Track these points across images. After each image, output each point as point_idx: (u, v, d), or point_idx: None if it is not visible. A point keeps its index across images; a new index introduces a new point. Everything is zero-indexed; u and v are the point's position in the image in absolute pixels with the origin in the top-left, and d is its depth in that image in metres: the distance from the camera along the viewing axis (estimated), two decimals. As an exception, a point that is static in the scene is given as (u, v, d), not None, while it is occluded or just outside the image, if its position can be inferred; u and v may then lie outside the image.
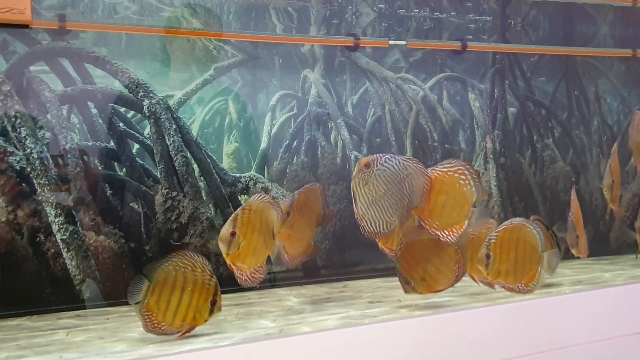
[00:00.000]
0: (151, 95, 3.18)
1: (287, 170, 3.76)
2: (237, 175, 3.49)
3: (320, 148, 3.84)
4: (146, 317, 1.96)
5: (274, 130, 3.89)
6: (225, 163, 3.89)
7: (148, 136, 3.32)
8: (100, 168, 3.27)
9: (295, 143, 3.86)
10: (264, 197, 2.18)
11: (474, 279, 2.61)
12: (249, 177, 3.48)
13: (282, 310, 2.57)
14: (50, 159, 2.87)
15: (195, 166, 3.29)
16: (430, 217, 2.31)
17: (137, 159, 3.35)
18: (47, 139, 2.96)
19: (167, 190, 3.15)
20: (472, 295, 2.73)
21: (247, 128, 4.00)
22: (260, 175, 3.55)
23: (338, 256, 3.65)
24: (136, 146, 3.45)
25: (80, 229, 2.86)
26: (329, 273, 3.55)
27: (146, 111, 3.16)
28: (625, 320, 2.70)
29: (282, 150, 3.82)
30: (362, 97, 4.16)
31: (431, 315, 2.37)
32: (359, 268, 3.65)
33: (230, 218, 2.05)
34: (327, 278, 3.46)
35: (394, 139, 4.00)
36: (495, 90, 4.20)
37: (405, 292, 2.44)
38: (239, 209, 2.11)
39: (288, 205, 2.25)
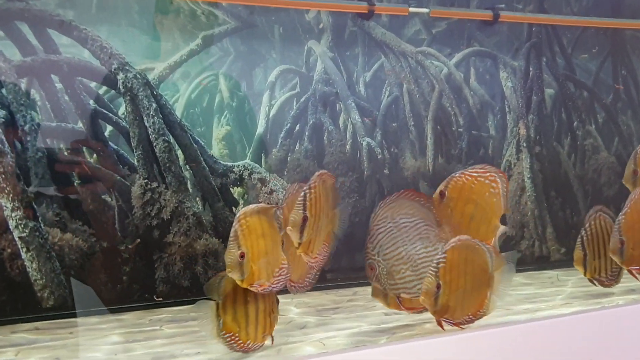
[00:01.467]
0: (127, 68, 3.01)
1: (288, 158, 3.58)
2: (229, 164, 3.32)
3: (327, 133, 3.66)
4: (228, 339, 1.87)
5: (272, 111, 3.73)
6: (215, 149, 3.72)
7: (123, 116, 3.16)
8: (66, 153, 3.09)
9: (297, 127, 3.69)
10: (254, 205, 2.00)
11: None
12: (243, 166, 3.32)
13: (280, 324, 2.31)
14: (5, 142, 2.68)
15: (179, 153, 3.13)
16: (457, 231, 2.13)
17: (110, 143, 3.18)
18: (2, 118, 2.78)
19: (145, 180, 2.98)
20: (507, 306, 2.53)
21: (241, 109, 3.85)
22: (257, 165, 3.38)
23: (347, 258, 3.44)
24: (109, 128, 3.28)
25: (42, 225, 2.71)
26: (336, 278, 3.39)
27: (121, 87, 3.00)
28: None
29: (282, 135, 3.64)
30: (377, 75, 4.01)
31: (461, 332, 2.12)
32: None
33: (230, 238, 1.88)
34: (334, 284, 3.29)
35: (412, 123, 3.84)
36: (531, 69, 4.04)
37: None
38: (234, 223, 1.90)
39: (302, 208, 1.97)
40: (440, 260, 1.99)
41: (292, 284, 2.14)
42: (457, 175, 2.15)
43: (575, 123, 4.22)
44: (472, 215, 2.13)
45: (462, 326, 2.07)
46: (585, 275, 2.58)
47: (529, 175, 3.84)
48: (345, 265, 3.44)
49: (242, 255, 1.84)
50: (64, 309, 2.73)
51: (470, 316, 2.07)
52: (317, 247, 2.05)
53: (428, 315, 2.34)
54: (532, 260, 3.83)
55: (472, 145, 3.93)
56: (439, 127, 3.84)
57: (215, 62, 3.81)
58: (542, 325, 2.22)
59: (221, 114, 3.83)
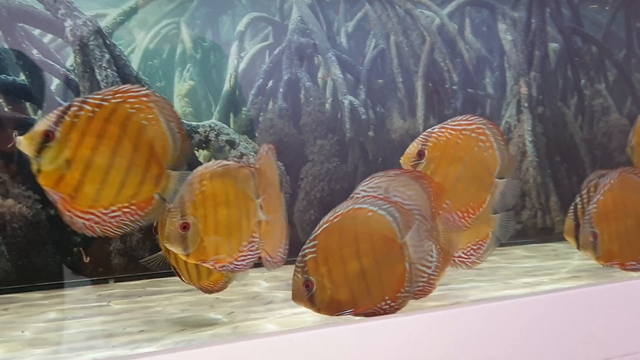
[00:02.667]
0: (76, 13, 2.91)
1: (260, 118, 3.46)
2: (194, 123, 3.22)
3: (304, 90, 3.53)
4: None
5: (242, 65, 3.61)
6: (178, 107, 3.59)
7: (72, 68, 3.06)
8: (6, 109, 2.99)
9: (270, 83, 3.58)
10: (221, 162, 1.73)
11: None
12: (209, 126, 3.21)
13: (244, 299, 2.31)
14: (-64, 96, 2.60)
15: None
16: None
17: (57, 98, 3.08)
18: None
19: None
20: (505, 279, 2.45)
21: (206, 61, 3.71)
22: (224, 125, 3.27)
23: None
24: (56, 81, 3.17)
25: (-21, 190, 2.64)
26: None
27: (69, 35, 2.90)
28: None
29: (253, 92, 3.54)
30: (360, 25, 3.92)
31: (451, 308, 1.96)
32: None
33: (174, 205, 1.64)
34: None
35: (400, 80, 3.72)
36: (533, 20, 3.91)
37: (294, 298, 1.75)
38: (183, 187, 1.65)
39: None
40: (309, 251, 1.66)
41: (269, 258, 1.95)
42: (436, 130, 1.93)
43: (583, 81, 4.11)
44: (459, 176, 1.95)
45: (375, 315, 1.76)
46: (578, 248, 2.37)
47: (530, 139, 3.73)
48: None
49: (184, 227, 1.62)
50: (5, 284, 2.65)
51: (388, 301, 1.75)
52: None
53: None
54: (535, 232, 3.74)
55: (468, 105, 3.83)
56: (430, 84, 3.74)
57: (176, 8, 3.70)
58: (543, 299, 2.07)
59: (183, 67, 3.72)
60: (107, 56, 2.89)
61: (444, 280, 2.26)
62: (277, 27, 3.75)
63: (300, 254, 1.66)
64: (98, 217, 1.57)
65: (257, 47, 3.75)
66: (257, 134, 3.41)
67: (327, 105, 3.55)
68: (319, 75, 3.59)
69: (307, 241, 1.67)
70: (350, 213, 1.69)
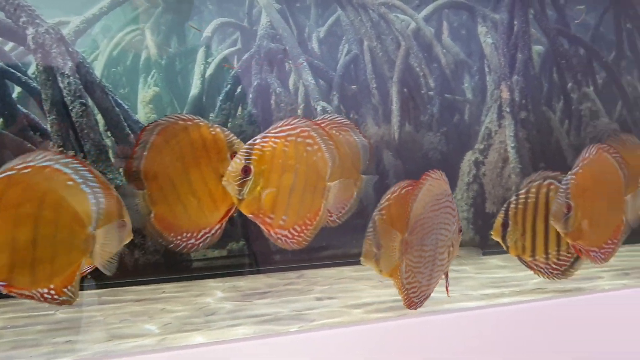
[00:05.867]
0: (37, 21, 2.95)
1: (229, 125, 3.49)
2: None
3: (275, 96, 3.55)
4: None
5: (209, 71, 3.64)
6: (142, 113, 3.63)
7: (34, 76, 3.12)
8: None
9: (239, 89, 3.59)
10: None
11: None
12: None
13: (189, 310, 2.34)
14: None
15: (99, 117, 3.08)
16: (274, 212, 1.82)
17: (18, 106, 3.13)
18: None
19: (60, 148, 2.93)
20: (465, 291, 2.43)
21: (172, 68, 3.75)
22: None
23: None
24: (17, 89, 3.23)
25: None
26: (286, 259, 3.33)
27: (31, 43, 2.94)
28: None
29: (221, 98, 3.56)
30: (332, 30, 3.95)
31: (403, 318, 1.99)
32: (325, 254, 3.40)
33: None
34: (282, 266, 3.25)
35: (375, 85, 3.75)
36: (515, 22, 3.90)
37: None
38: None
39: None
40: None
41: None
42: (258, 141, 1.80)
43: (570, 85, 4.08)
44: (293, 187, 1.83)
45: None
46: (507, 250, 2.28)
47: (513, 145, 3.71)
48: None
49: None
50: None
51: (52, 291, 1.49)
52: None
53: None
54: (517, 242, 3.71)
55: (445, 111, 3.84)
56: (405, 89, 3.75)
57: (140, 15, 3.74)
58: (488, 313, 2.06)
59: (148, 74, 3.75)
60: (69, 64, 2.94)
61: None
62: (245, 32, 3.79)
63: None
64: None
65: (225, 52, 3.79)
66: (225, 141, 3.44)
67: (299, 112, 3.58)
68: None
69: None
70: (48, 171, 1.42)
